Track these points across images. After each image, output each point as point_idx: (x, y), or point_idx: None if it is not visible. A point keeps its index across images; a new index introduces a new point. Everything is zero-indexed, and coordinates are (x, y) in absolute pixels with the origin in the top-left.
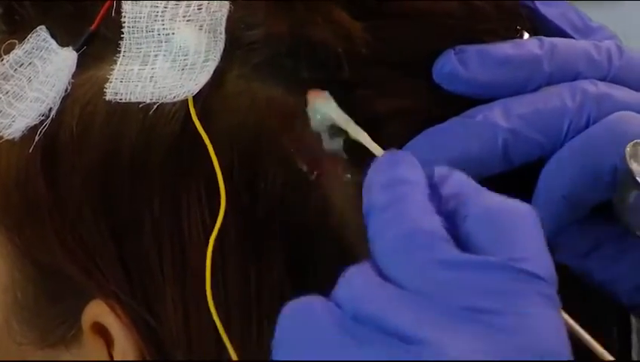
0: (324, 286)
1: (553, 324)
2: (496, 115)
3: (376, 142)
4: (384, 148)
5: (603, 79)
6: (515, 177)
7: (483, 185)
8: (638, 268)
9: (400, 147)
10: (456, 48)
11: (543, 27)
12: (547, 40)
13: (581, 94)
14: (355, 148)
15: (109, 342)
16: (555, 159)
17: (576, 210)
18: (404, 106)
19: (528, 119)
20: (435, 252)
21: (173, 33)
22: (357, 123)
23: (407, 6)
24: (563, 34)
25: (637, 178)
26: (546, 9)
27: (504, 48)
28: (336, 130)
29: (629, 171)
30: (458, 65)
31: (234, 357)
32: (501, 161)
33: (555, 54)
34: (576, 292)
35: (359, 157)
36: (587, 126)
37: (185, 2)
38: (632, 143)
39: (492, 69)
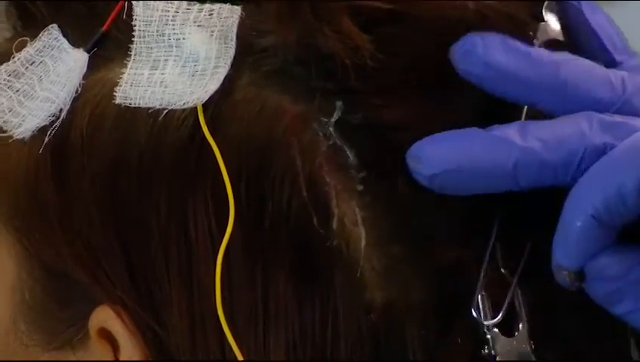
0: (328, 295)
1: None
2: (513, 133)
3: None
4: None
5: (616, 102)
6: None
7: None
8: None
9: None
10: (481, 33)
11: (580, 30)
12: (567, 53)
13: (598, 123)
14: (369, 164)
15: (115, 347)
16: (581, 182)
17: (605, 232)
18: (411, 117)
19: (544, 141)
20: None
21: (184, 38)
22: (365, 131)
23: (416, 19)
24: (599, 44)
25: None
26: (591, 15)
27: (526, 46)
28: None
29: None
30: (480, 43)
31: None
32: (509, 180)
33: (573, 65)
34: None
35: (371, 170)
36: (603, 153)
37: (196, 7)
38: None
39: (510, 57)
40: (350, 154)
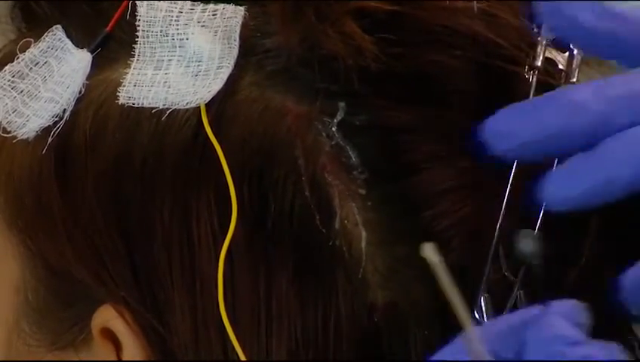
0: (330, 295)
1: None
2: (587, 97)
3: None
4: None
5: None
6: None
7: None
8: None
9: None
10: None
11: None
12: None
13: None
14: (372, 166)
15: (118, 347)
16: None
17: None
18: (414, 119)
19: (618, 101)
20: None
21: (187, 38)
22: (368, 132)
23: (420, 21)
24: None
25: None
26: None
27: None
28: None
29: None
30: (567, 5)
31: None
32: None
33: None
34: None
35: (374, 171)
36: None
37: (200, 7)
38: None
39: (603, 18)
40: (352, 155)
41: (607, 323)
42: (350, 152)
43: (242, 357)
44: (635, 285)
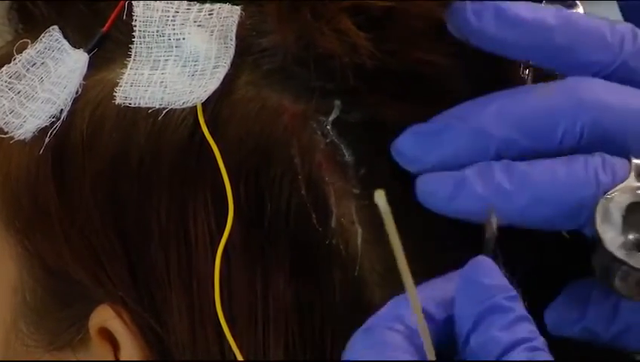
0: (327, 294)
1: None
2: (489, 120)
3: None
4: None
5: (612, 63)
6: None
7: None
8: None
9: None
10: None
11: None
12: (564, 13)
13: (576, 102)
14: (367, 164)
15: (115, 347)
16: None
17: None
18: (408, 116)
19: (522, 126)
20: None
21: (183, 38)
22: (362, 130)
23: (415, 17)
24: None
25: (609, 249)
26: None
27: (521, 10)
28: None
29: (600, 240)
30: (471, 16)
31: None
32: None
33: (569, 29)
34: None
35: (369, 169)
36: (581, 135)
37: (196, 7)
38: (602, 201)
39: (504, 27)
40: (347, 153)
41: None
42: (345, 150)
43: (239, 357)
44: (556, 324)
